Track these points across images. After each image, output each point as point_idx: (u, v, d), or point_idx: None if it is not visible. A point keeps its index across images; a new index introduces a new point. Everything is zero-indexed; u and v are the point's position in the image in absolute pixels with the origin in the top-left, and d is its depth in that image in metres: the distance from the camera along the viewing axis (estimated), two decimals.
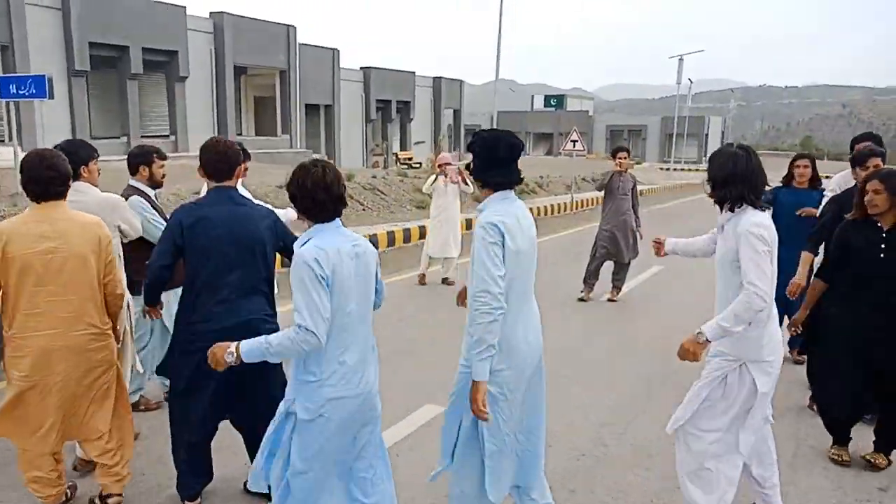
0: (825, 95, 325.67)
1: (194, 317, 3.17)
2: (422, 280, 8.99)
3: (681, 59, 42.14)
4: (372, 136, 34.52)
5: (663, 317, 7.57)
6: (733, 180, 2.99)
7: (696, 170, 45.09)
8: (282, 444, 2.71)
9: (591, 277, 8.25)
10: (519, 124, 62.21)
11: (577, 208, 19.84)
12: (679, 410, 3.22)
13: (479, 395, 2.66)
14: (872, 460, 4.05)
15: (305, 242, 2.61)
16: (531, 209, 17.26)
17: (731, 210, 3.03)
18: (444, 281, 9.00)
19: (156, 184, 4.45)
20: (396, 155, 33.42)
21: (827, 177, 6.58)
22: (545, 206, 18.39)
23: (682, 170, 43.47)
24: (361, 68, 33.80)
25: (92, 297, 3.15)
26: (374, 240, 11.76)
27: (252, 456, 3.29)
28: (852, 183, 4.97)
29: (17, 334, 3.05)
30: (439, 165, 9.06)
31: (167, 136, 24.17)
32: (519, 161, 2.87)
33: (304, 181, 2.61)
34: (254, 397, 3.28)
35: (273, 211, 3.45)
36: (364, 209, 14.86)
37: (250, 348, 2.63)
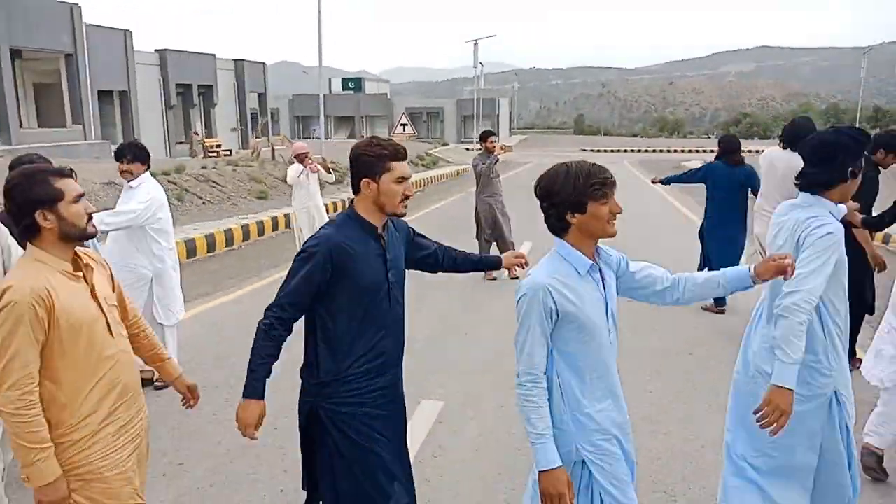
0: (586, 76, 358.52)
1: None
2: None
3: (476, 44, 44.56)
4: (174, 122, 32.41)
5: None
6: None
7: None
8: None
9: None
10: (319, 107, 61.47)
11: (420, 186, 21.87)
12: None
13: None
14: None
15: None
16: None
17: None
18: None
19: None
20: (203, 142, 31.79)
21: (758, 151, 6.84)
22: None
23: None
24: (157, 51, 31.51)
25: None
26: (229, 235, 11.39)
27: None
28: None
29: None
30: (296, 155, 9.08)
31: None
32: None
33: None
34: None
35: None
36: (204, 203, 14.24)
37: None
